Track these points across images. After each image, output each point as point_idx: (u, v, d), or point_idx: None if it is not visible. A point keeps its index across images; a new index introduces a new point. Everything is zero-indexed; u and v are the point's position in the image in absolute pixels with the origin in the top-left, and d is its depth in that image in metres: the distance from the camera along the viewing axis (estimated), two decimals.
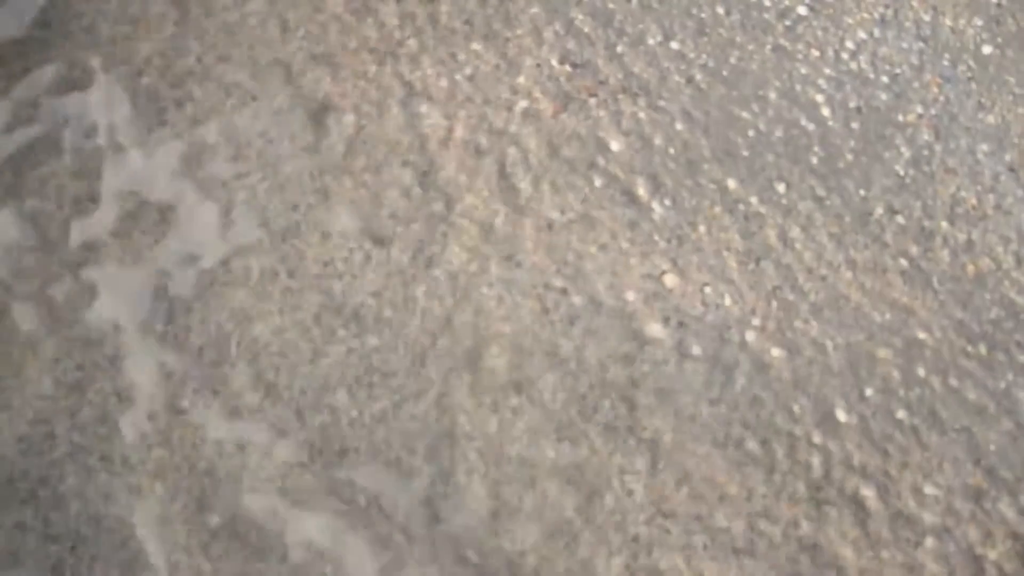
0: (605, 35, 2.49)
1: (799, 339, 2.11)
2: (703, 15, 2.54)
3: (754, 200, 2.28)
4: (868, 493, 1.95)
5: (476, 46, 2.44)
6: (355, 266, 2.09)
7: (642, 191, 2.27)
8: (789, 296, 2.16)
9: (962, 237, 2.27)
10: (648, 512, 1.91)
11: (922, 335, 2.14)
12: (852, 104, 2.43)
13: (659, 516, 1.90)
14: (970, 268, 2.23)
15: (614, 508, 1.89)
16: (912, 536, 1.92)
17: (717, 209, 2.26)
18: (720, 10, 2.55)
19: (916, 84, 2.47)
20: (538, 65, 2.42)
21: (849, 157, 2.36)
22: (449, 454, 1.90)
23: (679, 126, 2.37)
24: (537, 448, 1.93)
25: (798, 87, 2.44)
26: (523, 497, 1.88)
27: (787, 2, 2.58)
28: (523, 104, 2.37)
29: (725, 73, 2.45)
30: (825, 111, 2.42)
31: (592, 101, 2.38)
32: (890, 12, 2.59)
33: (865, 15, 2.57)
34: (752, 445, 1.99)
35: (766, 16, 2.55)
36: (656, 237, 2.22)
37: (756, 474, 1.96)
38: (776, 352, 2.10)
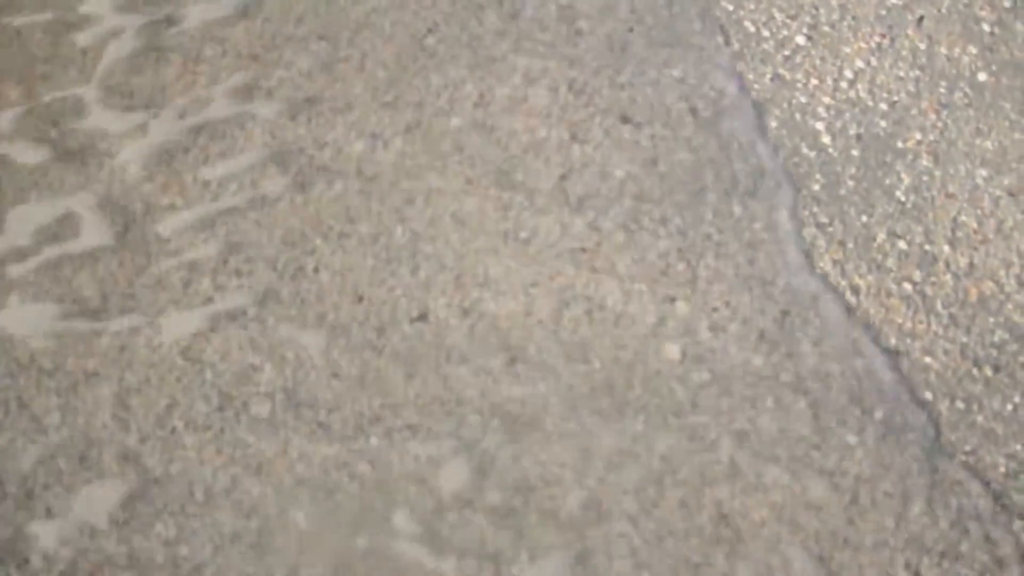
0: (609, 64, 2.51)
1: (806, 364, 2.13)
2: (704, 44, 2.57)
3: (758, 227, 2.30)
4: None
5: (484, 75, 2.46)
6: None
7: (648, 219, 2.29)
8: (796, 322, 2.18)
9: (964, 261, 2.29)
10: (650, 536, 1.91)
11: (927, 359, 2.15)
12: (852, 131, 2.46)
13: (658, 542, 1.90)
14: (973, 292, 2.25)
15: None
16: (924, 559, 1.92)
17: (723, 236, 2.28)
18: (720, 40, 2.58)
19: (914, 111, 2.50)
20: (546, 93, 2.44)
21: (850, 183, 2.38)
22: None
23: (683, 154, 2.39)
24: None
25: (798, 115, 2.47)
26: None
27: (786, 32, 2.61)
28: (531, 133, 2.39)
29: (726, 102, 2.48)
30: (825, 138, 2.44)
31: (598, 130, 2.40)
32: (887, 41, 2.62)
33: (862, 44, 2.61)
34: (762, 468, 2.00)
35: (765, 46, 2.58)
36: (665, 264, 2.23)
37: (764, 498, 1.96)
38: (784, 377, 2.11)
